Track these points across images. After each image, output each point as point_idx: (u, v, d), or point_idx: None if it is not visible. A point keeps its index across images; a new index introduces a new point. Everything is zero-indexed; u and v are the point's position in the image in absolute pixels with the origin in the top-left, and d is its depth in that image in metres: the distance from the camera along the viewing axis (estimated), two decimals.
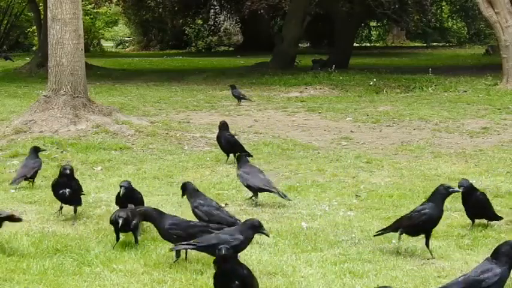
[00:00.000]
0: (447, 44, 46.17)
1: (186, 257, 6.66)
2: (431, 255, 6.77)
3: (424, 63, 30.55)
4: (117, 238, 7.07)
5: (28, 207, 8.68)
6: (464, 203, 7.78)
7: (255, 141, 12.82)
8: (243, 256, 6.75)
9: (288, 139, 13.21)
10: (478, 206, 7.71)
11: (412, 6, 31.45)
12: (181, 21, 42.89)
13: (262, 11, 34.59)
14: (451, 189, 6.97)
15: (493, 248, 5.51)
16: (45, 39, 19.26)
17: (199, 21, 43.73)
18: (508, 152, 11.99)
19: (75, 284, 6.25)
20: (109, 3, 42.71)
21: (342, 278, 6.27)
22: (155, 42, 46.21)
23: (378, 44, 48.27)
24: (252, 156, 10.64)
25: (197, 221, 7.16)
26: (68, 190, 7.96)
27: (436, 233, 7.50)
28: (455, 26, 47.06)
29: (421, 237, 7.15)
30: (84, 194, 8.38)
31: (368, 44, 47.75)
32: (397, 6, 30.54)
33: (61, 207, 8.19)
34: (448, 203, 8.78)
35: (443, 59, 34.08)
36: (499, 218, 7.87)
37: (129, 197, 7.75)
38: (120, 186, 7.78)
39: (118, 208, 7.60)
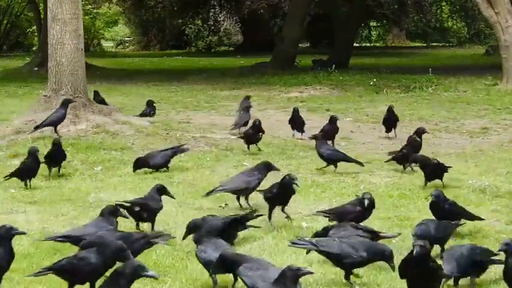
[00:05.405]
0: (447, 44, 46.12)
1: None
2: None
3: (424, 63, 30.50)
4: None
5: (28, 207, 8.68)
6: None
7: None
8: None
9: (288, 139, 13.20)
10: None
11: (411, 6, 31.47)
12: (180, 21, 42.86)
13: (262, 11, 34.66)
14: None
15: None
16: (45, 39, 19.25)
17: (199, 21, 43.70)
18: (508, 152, 11.99)
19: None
20: (109, 3, 42.69)
21: (342, 277, 6.28)
22: (155, 42, 46.18)
23: (378, 44, 48.24)
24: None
25: None
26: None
27: None
28: (455, 26, 46.99)
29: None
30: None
31: (368, 44, 47.72)
32: (396, 6, 30.59)
33: None
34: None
35: (443, 59, 34.03)
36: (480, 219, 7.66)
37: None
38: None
39: None
